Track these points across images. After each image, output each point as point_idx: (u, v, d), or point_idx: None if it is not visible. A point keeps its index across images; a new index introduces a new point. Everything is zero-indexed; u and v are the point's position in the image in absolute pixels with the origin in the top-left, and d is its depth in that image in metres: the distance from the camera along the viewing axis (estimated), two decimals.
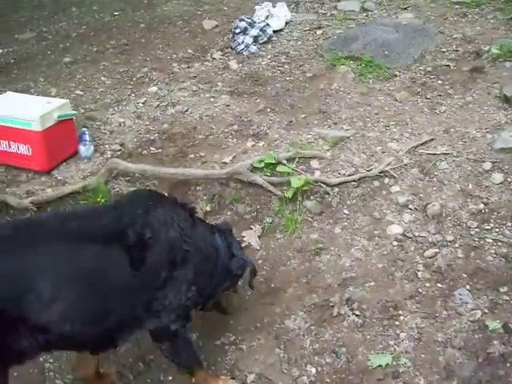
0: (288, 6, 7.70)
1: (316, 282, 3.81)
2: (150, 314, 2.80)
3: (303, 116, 5.41)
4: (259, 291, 3.81)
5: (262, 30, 6.93)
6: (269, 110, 5.57)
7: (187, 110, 5.67)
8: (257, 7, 7.58)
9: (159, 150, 5.11)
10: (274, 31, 7.13)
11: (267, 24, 7.06)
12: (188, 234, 2.91)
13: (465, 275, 3.68)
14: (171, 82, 6.28)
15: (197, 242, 2.98)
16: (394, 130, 5.13)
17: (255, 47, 6.78)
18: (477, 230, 4.01)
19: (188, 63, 6.70)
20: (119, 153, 5.14)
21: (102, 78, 6.56)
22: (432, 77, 5.95)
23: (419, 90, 5.74)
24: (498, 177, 4.45)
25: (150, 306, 2.79)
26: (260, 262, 4.10)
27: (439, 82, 5.85)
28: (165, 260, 2.79)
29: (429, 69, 6.09)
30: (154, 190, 3.84)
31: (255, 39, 6.85)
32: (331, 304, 3.63)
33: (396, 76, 6.04)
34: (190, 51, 6.98)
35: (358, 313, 3.55)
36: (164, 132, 5.35)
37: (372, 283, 3.72)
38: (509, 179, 4.42)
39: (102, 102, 6.03)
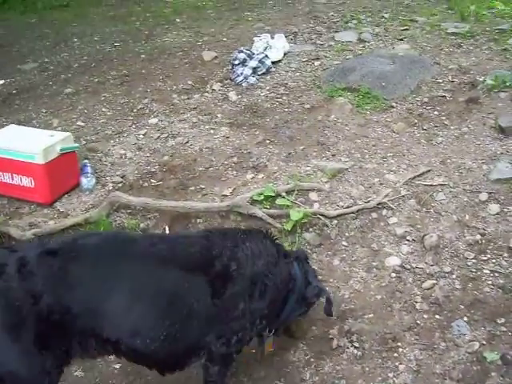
0: (286, 37, 7.84)
1: (315, 314, 3.82)
2: (220, 342, 2.90)
3: (302, 148, 5.48)
4: None
5: (260, 61, 7.03)
6: (268, 141, 5.64)
7: (187, 142, 5.74)
8: (255, 38, 7.70)
9: (160, 182, 5.16)
10: (273, 62, 7.24)
11: (266, 55, 7.16)
12: (271, 269, 3.04)
13: (462, 306, 3.72)
14: (171, 114, 6.36)
15: (277, 276, 3.08)
16: (392, 161, 5.20)
17: (254, 78, 6.88)
18: (474, 260, 4.07)
19: (188, 94, 6.80)
20: (120, 185, 5.20)
21: (103, 109, 6.65)
22: (428, 108, 6.04)
23: (416, 121, 5.83)
24: (494, 207, 4.52)
25: (222, 335, 2.90)
26: None
27: (435, 112, 5.94)
28: (246, 293, 2.91)
29: (425, 100, 6.18)
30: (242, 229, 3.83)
31: (254, 70, 6.95)
32: (330, 336, 3.67)
33: (393, 107, 6.13)
34: (189, 82, 7.08)
35: (357, 345, 3.58)
36: (164, 164, 5.42)
37: (371, 315, 3.76)
38: (505, 210, 4.48)
39: (103, 134, 6.11)
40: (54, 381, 2.65)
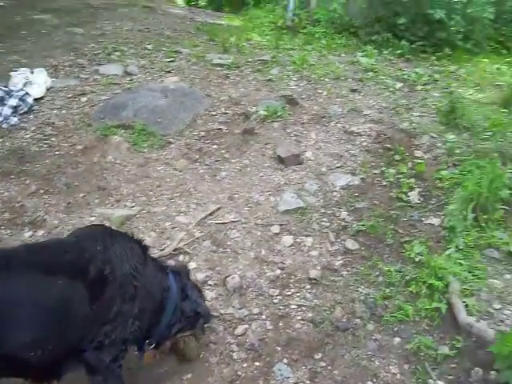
0: (47, 70, 7.24)
1: None
2: (93, 346, 2.84)
3: (82, 195, 5.05)
4: None
5: (21, 99, 6.42)
6: (42, 191, 5.09)
7: None
8: (12, 73, 6.97)
9: None
10: (35, 99, 6.65)
11: (26, 93, 6.55)
12: (139, 270, 3.02)
13: (279, 348, 3.64)
14: None
15: (146, 279, 3.07)
16: (180, 201, 5.03)
17: (16, 119, 6.24)
18: (279, 297, 4.03)
19: None
20: None
21: None
22: (207, 142, 5.98)
23: (197, 156, 5.72)
24: (287, 239, 4.58)
25: (95, 338, 2.84)
26: None
27: (214, 146, 5.89)
28: (118, 295, 2.89)
29: (202, 133, 6.12)
30: (108, 226, 3.49)
31: (15, 110, 6.31)
32: None
33: (171, 143, 5.95)
34: None
35: None
36: None
37: (189, 375, 3.47)
38: (298, 240, 4.57)
39: None
40: None
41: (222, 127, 6.22)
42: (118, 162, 5.59)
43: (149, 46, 8.62)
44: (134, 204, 4.96)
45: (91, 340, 2.82)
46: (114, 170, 5.45)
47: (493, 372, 3.33)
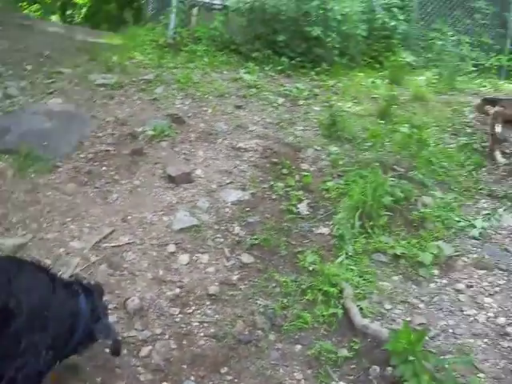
0: None
1: None
2: (5, 382, 2.74)
3: None
4: None
5: None
6: None
7: None
8: None
9: None
10: None
11: None
12: (48, 299, 2.97)
13: (185, 366, 3.68)
14: None
15: (55, 307, 3.00)
16: (72, 226, 4.93)
17: None
18: (180, 316, 4.09)
19: None
20: None
21: None
22: (95, 164, 5.89)
23: (86, 179, 5.63)
24: (183, 258, 4.65)
25: (6, 374, 2.74)
26: None
27: (104, 168, 5.83)
28: (26, 327, 2.80)
29: (90, 156, 6.01)
30: (13, 257, 3.44)
31: None
32: None
33: (59, 167, 5.79)
34: None
35: None
36: None
37: None
38: (194, 258, 4.66)
39: None
40: None
41: (109, 148, 6.15)
42: (4, 188, 5.37)
43: (28, 67, 8.24)
44: (25, 231, 4.80)
45: (1, 376, 2.72)
46: (1, 198, 5.23)
47: (389, 368, 3.59)
